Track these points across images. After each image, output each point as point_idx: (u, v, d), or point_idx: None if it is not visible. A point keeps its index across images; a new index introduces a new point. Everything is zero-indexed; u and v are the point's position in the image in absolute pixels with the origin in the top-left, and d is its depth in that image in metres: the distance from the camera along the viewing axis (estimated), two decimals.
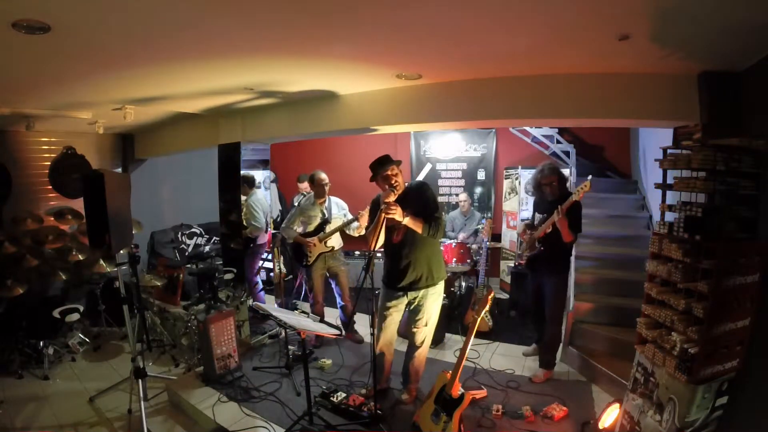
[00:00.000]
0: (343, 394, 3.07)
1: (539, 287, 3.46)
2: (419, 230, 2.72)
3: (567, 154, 5.27)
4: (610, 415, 2.62)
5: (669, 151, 2.45)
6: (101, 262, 4.20)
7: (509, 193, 5.83)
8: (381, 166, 2.80)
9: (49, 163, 4.80)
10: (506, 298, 5.20)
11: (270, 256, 5.27)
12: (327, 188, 4.08)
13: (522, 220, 4.99)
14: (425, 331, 2.97)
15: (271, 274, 5.64)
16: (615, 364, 3.19)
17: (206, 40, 2.26)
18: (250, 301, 4.13)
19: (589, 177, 4.04)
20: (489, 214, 5.98)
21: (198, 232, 6.29)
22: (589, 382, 3.32)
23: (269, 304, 4.93)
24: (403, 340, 3.37)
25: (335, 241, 4.09)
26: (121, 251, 3.35)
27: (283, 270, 5.07)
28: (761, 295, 2.06)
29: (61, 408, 3.16)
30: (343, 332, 4.04)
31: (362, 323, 4.22)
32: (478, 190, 6.24)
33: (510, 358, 3.78)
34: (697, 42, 2.18)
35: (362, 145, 6.47)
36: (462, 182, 6.29)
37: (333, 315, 4.41)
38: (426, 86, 3.33)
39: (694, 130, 2.68)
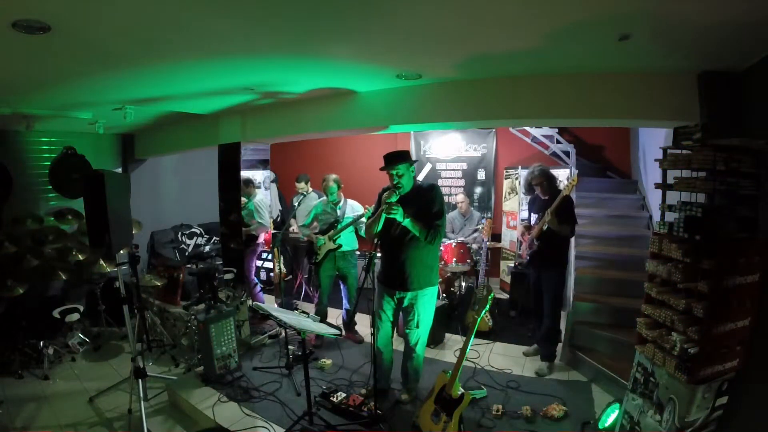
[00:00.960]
0: (343, 394, 3.07)
1: (538, 282, 3.61)
2: (417, 233, 2.72)
3: (567, 154, 5.27)
4: (610, 415, 2.62)
5: (669, 151, 2.44)
6: (101, 262, 4.20)
7: (509, 193, 5.83)
8: (388, 164, 2.80)
9: (49, 163, 4.79)
10: (506, 298, 5.20)
11: (270, 256, 5.27)
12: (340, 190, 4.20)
13: (521, 221, 5.00)
14: (418, 333, 2.98)
15: (271, 274, 5.65)
16: (615, 364, 3.20)
17: (206, 40, 2.26)
18: (250, 302, 4.13)
19: (576, 172, 4.52)
20: (489, 214, 5.97)
21: (198, 232, 6.29)
22: (589, 382, 3.33)
23: (269, 304, 4.93)
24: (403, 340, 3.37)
25: (344, 241, 4.10)
26: (121, 251, 3.36)
27: (283, 270, 5.08)
28: (761, 295, 2.06)
29: (61, 408, 3.15)
30: (343, 332, 4.07)
31: (362, 323, 4.22)
32: (478, 190, 6.23)
33: (510, 358, 3.78)
34: (697, 42, 2.18)
35: (362, 144, 6.48)
36: (462, 182, 6.29)
37: (335, 315, 4.41)
38: (426, 86, 3.33)
39: (694, 130, 2.68)
